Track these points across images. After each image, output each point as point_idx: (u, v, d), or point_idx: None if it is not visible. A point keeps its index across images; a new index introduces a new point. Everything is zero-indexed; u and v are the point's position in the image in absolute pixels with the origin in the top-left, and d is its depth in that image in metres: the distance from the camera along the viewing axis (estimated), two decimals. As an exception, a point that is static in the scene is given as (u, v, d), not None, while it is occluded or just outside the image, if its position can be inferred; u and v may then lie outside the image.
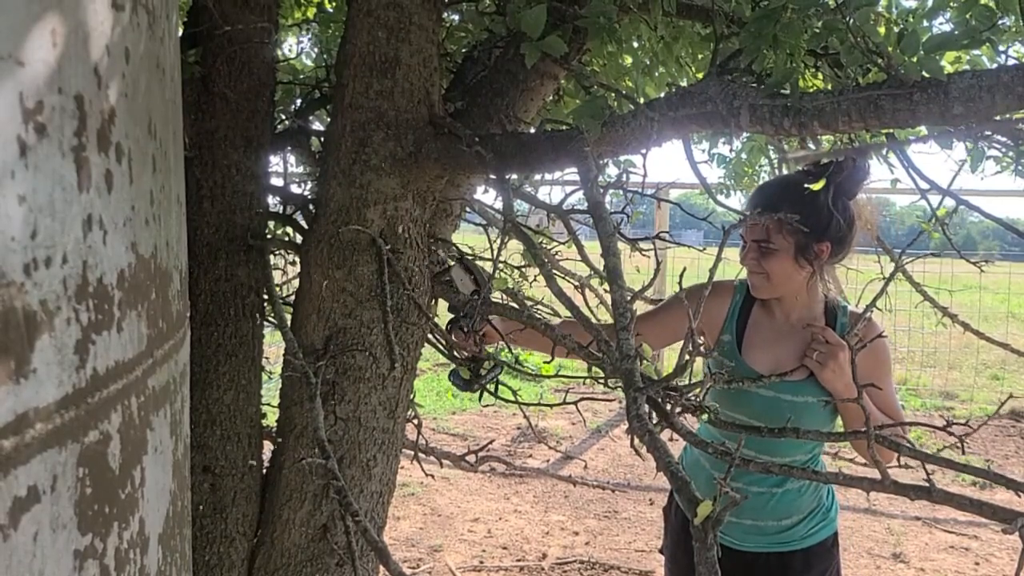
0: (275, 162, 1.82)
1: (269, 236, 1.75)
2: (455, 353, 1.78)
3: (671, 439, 1.07)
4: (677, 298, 1.86)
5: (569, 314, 1.23)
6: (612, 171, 2.69)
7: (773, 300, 1.78)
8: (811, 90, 1.17)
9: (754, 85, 1.16)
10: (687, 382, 0.97)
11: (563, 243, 2.16)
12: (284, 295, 1.85)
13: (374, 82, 1.45)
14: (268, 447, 1.69)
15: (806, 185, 1.62)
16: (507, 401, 1.77)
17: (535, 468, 4.70)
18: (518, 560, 3.65)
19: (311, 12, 2.22)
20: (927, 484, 0.78)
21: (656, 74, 2.01)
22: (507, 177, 1.42)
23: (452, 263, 1.69)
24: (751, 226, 1.69)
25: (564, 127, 1.67)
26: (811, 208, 1.62)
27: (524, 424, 5.56)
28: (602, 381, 1.37)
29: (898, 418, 1.68)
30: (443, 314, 1.96)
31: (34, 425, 0.51)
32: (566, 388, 6.90)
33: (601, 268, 1.68)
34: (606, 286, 1.94)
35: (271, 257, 1.69)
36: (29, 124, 0.50)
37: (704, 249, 1.89)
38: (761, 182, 3.12)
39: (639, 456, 1.26)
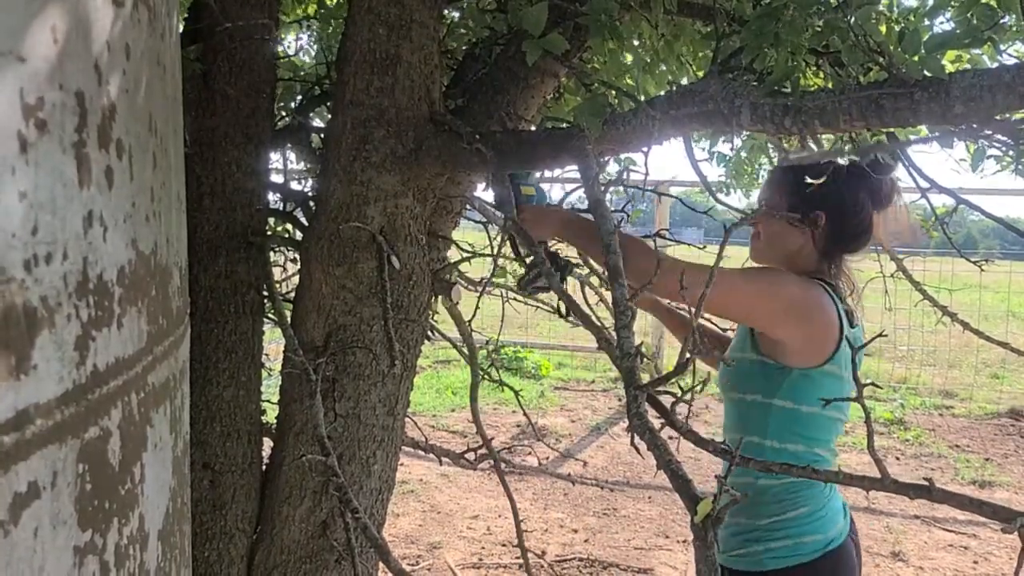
0: (275, 159, 1.82)
1: (269, 233, 1.75)
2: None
3: (671, 438, 1.07)
4: None
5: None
6: (613, 168, 2.68)
7: None
8: (812, 89, 1.17)
9: (755, 84, 1.16)
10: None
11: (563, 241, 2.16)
12: (284, 292, 1.85)
13: (375, 79, 1.45)
14: (268, 444, 1.70)
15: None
16: (511, 389, 1.76)
17: (534, 466, 4.70)
18: (517, 557, 3.65)
19: (312, 9, 2.22)
20: (927, 483, 0.78)
21: (657, 72, 2.01)
22: (507, 175, 1.42)
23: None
24: (770, 191, 1.62)
25: (565, 125, 1.67)
26: (815, 173, 1.47)
27: (524, 422, 5.56)
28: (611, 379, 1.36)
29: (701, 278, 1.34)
30: (444, 313, 1.96)
31: (34, 421, 0.51)
32: (565, 386, 6.91)
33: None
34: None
35: (271, 254, 1.69)
36: (30, 120, 0.50)
37: (704, 247, 1.88)
38: (763, 180, 3.10)
39: (638, 454, 1.26)
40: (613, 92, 1.79)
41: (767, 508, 1.51)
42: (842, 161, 1.48)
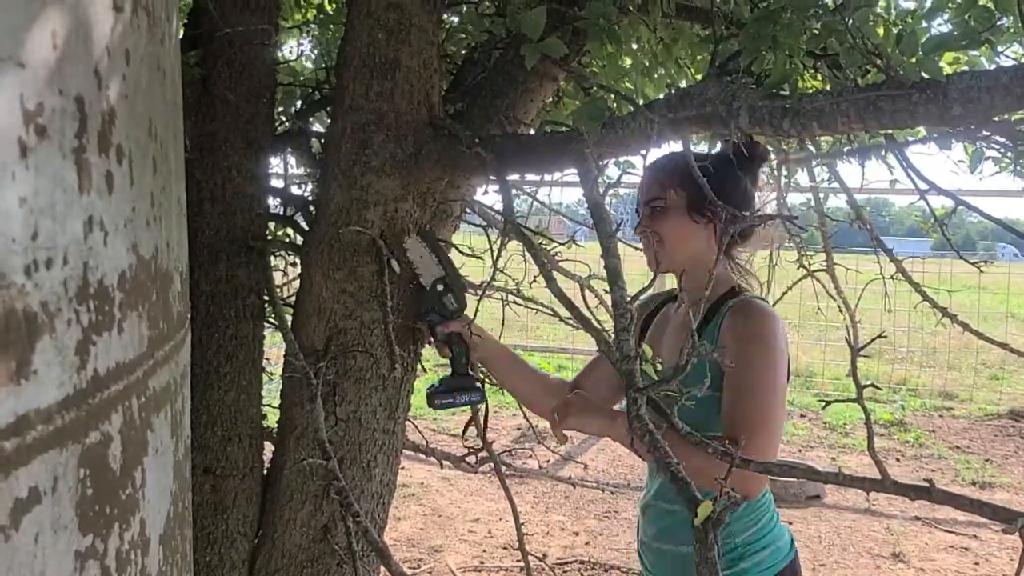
0: (275, 164, 1.83)
1: (270, 237, 1.75)
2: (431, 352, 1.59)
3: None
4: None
5: (569, 315, 1.23)
6: (612, 172, 2.68)
7: (683, 289, 1.57)
8: (810, 91, 1.17)
9: (753, 86, 1.16)
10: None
11: (563, 244, 2.16)
12: (285, 296, 1.85)
13: (374, 84, 1.46)
14: (269, 448, 1.70)
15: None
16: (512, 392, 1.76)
17: (535, 469, 4.70)
18: (518, 560, 3.65)
19: (311, 14, 2.22)
20: (928, 484, 0.78)
21: (655, 75, 2.02)
22: (507, 179, 1.42)
23: (407, 239, 1.49)
24: (647, 188, 1.51)
25: (564, 129, 1.67)
26: (703, 168, 1.32)
27: (524, 424, 5.56)
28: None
29: (750, 420, 1.30)
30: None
31: (35, 426, 0.51)
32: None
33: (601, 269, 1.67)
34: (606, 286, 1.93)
35: (271, 258, 1.69)
36: (30, 126, 0.50)
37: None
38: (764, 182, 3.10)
39: (639, 456, 1.26)
40: (612, 96, 1.79)
41: (739, 523, 1.44)
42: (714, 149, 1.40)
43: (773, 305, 1.55)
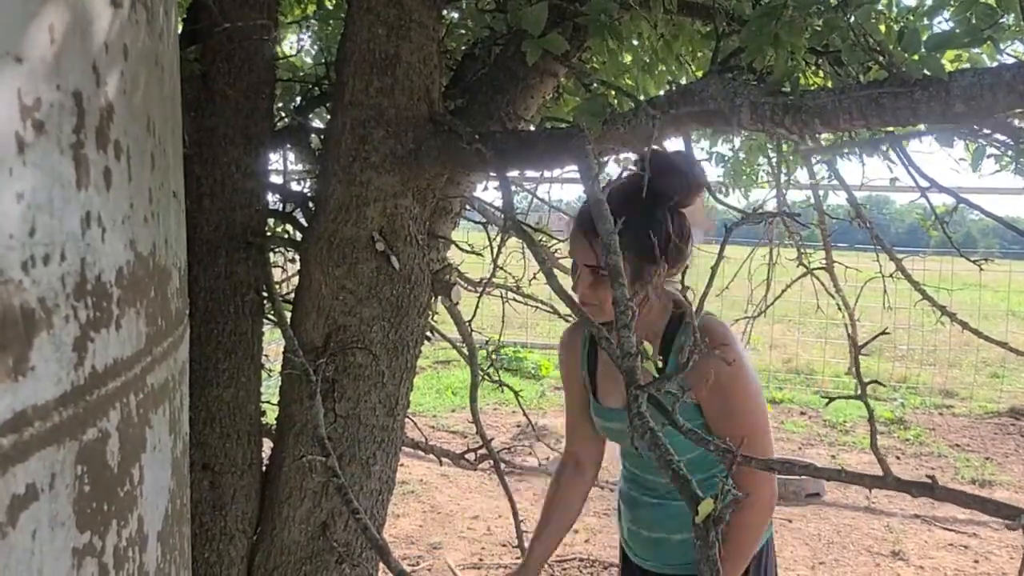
0: (275, 160, 1.82)
1: (269, 234, 1.75)
2: None
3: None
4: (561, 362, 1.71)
5: (569, 311, 1.22)
6: (613, 169, 2.68)
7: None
8: (812, 88, 1.17)
9: (755, 83, 1.15)
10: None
11: (563, 240, 2.16)
12: (284, 293, 1.84)
13: (374, 79, 1.45)
14: (268, 445, 1.69)
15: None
16: (511, 389, 1.75)
17: (534, 466, 4.70)
18: (517, 558, 3.65)
19: (311, 9, 2.22)
20: (930, 481, 0.78)
21: (656, 72, 2.01)
22: (507, 175, 1.42)
23: None
24: (579, 250, 1.44)
25: (564, 125, 1.67)
26: (648, 225, 1.35)
27: (523, 422, 5.56)
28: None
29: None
30: (444, 313, 1.96)
31: (32, 423, 0.51)
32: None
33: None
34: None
35: (271, 255, 1.69)
36: (27, 121, 0.49)
37: (700, 248, 1.87)
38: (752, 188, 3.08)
39: (638, 454, 1.26)
40: (612, 92, 1.78)
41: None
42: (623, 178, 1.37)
43: (774, 302, 1.54)
